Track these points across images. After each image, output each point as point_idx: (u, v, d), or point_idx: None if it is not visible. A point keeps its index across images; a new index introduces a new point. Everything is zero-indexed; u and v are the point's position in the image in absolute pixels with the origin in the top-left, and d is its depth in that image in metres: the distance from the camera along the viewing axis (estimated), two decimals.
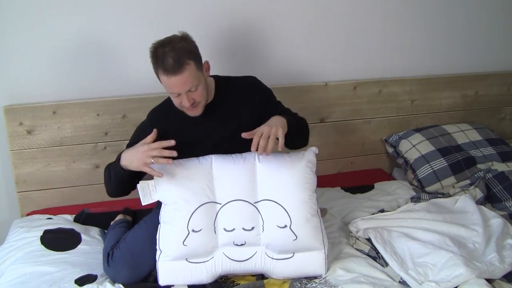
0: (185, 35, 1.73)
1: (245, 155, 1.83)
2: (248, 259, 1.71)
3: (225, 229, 1.72)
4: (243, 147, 1.85)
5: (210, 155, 1.81)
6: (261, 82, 1.97)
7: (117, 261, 1.79)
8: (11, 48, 2.16)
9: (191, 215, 1.71)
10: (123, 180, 1.78)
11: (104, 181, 1.85)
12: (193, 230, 1.70)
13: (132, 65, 2.30)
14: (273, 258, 1.72)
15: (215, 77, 1.92)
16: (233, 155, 1.82)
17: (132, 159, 1.68)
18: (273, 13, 2.41)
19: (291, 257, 1.72)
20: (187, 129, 1.86)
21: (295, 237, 1.73)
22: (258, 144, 1.65)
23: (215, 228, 1.72)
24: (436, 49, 2.72)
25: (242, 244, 1.71)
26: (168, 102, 1.89)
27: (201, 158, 1.80)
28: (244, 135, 1.69)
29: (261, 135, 1.66)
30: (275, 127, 1.68)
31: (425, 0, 2.61)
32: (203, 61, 1.76)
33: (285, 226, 1.73)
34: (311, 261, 1.73)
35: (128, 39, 2.26)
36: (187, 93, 1.70)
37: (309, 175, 1.82)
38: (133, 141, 1.84)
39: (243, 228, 1.72)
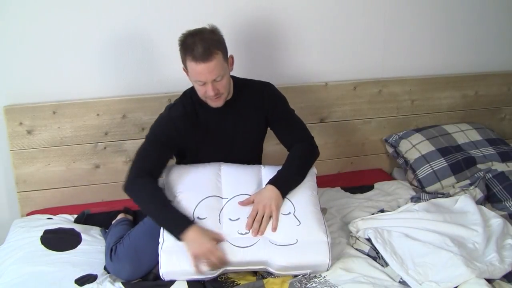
0: (214, 27, 1.79)
1: (252, 165, 1.96)
2: (251, 245, 1.72)
3: (230, 219, 1.77)
4: (253, 144, 2.03)
5: (218, 162, 1.93)
6: (274, 89, 2.00)
7: (120, 257, 1.80)
8: (11, 48, 2.16)
9: (197, 204, 1.78)
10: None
11: (137, 196, 1.78)
12: (198, 218, 1.76)
13: (132, 65, 2.30)
14: (276, 245, 1.72)
15: (233, 78, 1.96)
16: (241, 164, 1.94)
17: (193, 243, 1.66)
18: (273, 14, 2.41)
19: (294, 244, 1.73)
20: (208, 122, 1.91)
21: (298, 223, 1.77)
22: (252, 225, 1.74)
23: (220, 218, 1.77)
24: (436, 49, 2.72)
25: (246, 233, 1.74)
26: (187, 96, 1.92)
27: (211, 163, 1.92)
28: (241, 203, 1.79)
29: (255, 216, 1.74)
30: (269, 207, 1.75)
31: (425, 0, 2.61)
32: (228, 55, 1.81)
33: (289, 213, 1.79)
34: (314, 248, 1.74)
35: (129, 40, 2.26)
36: (212, 83, 1.74)
37: (310, 179, 1.93)
38: (159, 134, 1.85)
39: (248, 217, 1.76)
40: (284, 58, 2.49)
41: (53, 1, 2.14)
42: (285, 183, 1.83)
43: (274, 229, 1.74)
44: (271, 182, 1.82)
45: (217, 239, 1.70)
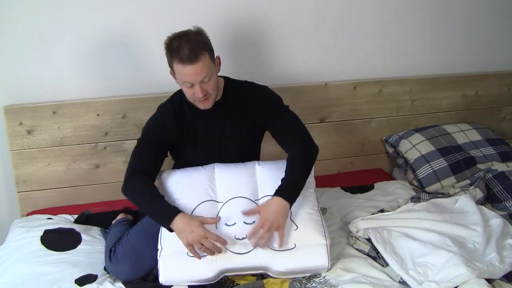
0: (199, 29, 1.79)
1: (246, 163, 1.92)
2: (249, 251, 1.71)
3: (226, 224, 1.75)
4: (246, 146, 1.98)
5: (212, 164, 1.90)
6: (265, 93, 1.95)
7: (119, 258, 1.80)
8: (11, 48, 2.16)
9: (193, 210, 1.76)
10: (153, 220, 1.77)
11: (132, 196, 1.79)
12: None
13: (132, 65, 2.30)
14: (274, 250, 1.72)
15: (225, 78, 1.95)
16: (234, 163, 1.90)
17: (183, 232, 1.65)
18: (274, 14, 2.41)
19: (292, 248, 1.72)
20: (197, 123, 1.90)
21: (295, 227, 1.75)
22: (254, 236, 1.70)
23: (216, 224, 1.75)
24: (436, 49, 2.72)
25: (243, 238, 1.73)
26: (177, 97, 1.93)
27: (205, 166, 1.89)
28: (244, 213, 1.73)
29: (258, 229, 1.68)
30: (276, 225, 1.68)
31: (425, 0, 2.61)
32: (215, 56, 1.80)
33: None
34: (313, 252, 1.73)
35: (129, 40, 2.26)
36: (200, 84, 1.73)
37: (308, 179, 1.87)
38: (150, 134, 1.88)
39: (244, 222, 1.75)
40: (284, 58, 2.49)
41: (52, 3, 2.14)
42: (292, 192, 1.74)
43: (281, 245, 1.71)
44: (279, 193, 1.72)
45: (206, 222, 1.67)
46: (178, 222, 1.65)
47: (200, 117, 1.89)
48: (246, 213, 1.74)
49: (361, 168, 2.71)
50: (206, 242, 1.64)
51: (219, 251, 1.67)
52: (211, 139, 1.93)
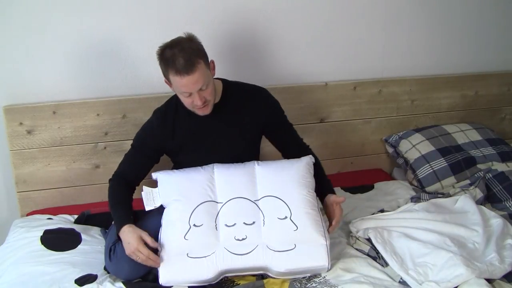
0: (191, 35, 1.76)
1: (246, 163, 1.91)
2: (249, 252, 1.71)
3: (226, 225, 1.75)
4: (245, 149, 1.97)
5: (212, 164, 1.89)
6: (269, 94, 1.99)
7: (119, 256, 1.80)
8: (11, 48, 2.16)
9: (193, 211, 1.76)
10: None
11: (108, 198, 1.89)
12: (194, 225, 1.74)
13: (132, 65, 2.30)
14: (274, 251, 1.72)
15: (223, 80, 1.95)
16: (234, 164, 1.89)
17: (124, 242, 1.73)
18: (274, 14, 2.41)
19: (292, 249, 1.72)
20: (193, 126, 1.90)
21: (295, 228, 1.75)
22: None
23: (216, 224, 1.75)
24: (436, 49, 2.72)
25: (243, 239, 1.73)
26: (173, 101, 1.94)
27: (204, 166, 1.89)
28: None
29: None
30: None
31: (425, 0, 2.61)
32: (209, 60, 1.79)
33: (285, 217, 1.76)
34: (313, 253, 1.73)
35: (129, 39, 2.26)
36: (198, 92, 1.73)
37: (307, 175, 1.88)
38: (139, 142, 1.93)
39: (244, 223, 1.75)
40: (284, 58, 2.49)
41: (53, 3, 2.14)
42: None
43: (331, 231, 1.84)
44: (331, 191, 1.91)
45: (144, 240, 1.70)
46: (123, 232, 1.74)
47: (199, 120, 1.89)
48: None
49: (361, 168, 2.71)
50: (139, 255, 1.68)
51: (154, 265, 1.70)
52: (210, 141, 1.93)
